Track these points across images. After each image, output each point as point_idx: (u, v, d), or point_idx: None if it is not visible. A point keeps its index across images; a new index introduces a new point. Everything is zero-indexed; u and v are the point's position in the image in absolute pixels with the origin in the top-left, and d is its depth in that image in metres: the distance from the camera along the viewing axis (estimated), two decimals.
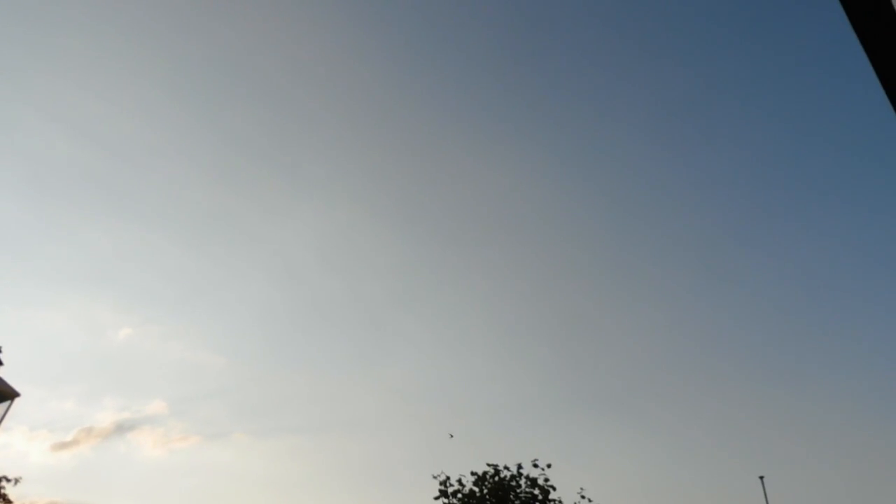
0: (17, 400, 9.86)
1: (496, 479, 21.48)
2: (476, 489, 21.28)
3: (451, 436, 27.89)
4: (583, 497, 21.91)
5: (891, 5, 1.76)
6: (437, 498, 21.28)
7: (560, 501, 21.45)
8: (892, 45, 1.82)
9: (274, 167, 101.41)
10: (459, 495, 21.16)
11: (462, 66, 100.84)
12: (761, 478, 35.84)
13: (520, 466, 21.79)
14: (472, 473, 21.73)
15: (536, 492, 21.23)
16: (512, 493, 21.02)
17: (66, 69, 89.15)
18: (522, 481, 21.39)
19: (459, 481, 21.57)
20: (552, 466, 21.77)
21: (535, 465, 21.72)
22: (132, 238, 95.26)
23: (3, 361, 9.82)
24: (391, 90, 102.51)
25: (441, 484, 21.39)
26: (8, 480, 36.64)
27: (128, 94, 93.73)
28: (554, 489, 21.38)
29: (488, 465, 21.97)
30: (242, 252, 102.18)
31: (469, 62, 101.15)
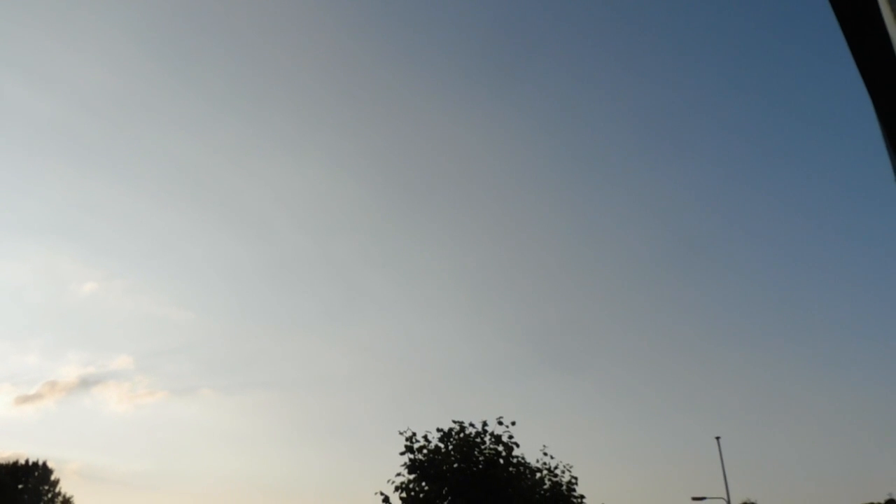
0: None
1: (461, 435, 21.83)
2: (441, 445, 21.63)
3: None
4: (545, 454, 22.46)
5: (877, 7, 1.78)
6: (402, 453, 21.60)
7: (523, 458, 21.93)
8: (877, 47, 1.85)
9: (245, 122, 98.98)
10: (425, 451, 21.48)
11: (436, 27, 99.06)
12: (717, 438, 37.11)
13: (485, 424, 22.14)
14: (438, 430, 22.05)
15: (500, 448, 21.64)
16: (476, 450, 21.41)
17: (29, 14, 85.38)
18: (487, 438, 21.78)
19: (425, 437, 21.87)
20: (516, 424, 22.20)
21: (500, 423, 22.09)
22: (96, 190, 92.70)
23: None
24: (366, 49, 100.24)
25: (407, 440, 21.68)
26: None
27: (95, 43, 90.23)
28: (517, 446, 21.83)
29: (454, 422, 22.31)
30: (210, 207, 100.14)
31: (443, 22, 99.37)
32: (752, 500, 66.47)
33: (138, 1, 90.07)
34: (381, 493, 20.93)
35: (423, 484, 21.02)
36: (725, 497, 35.45)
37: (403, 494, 20.97)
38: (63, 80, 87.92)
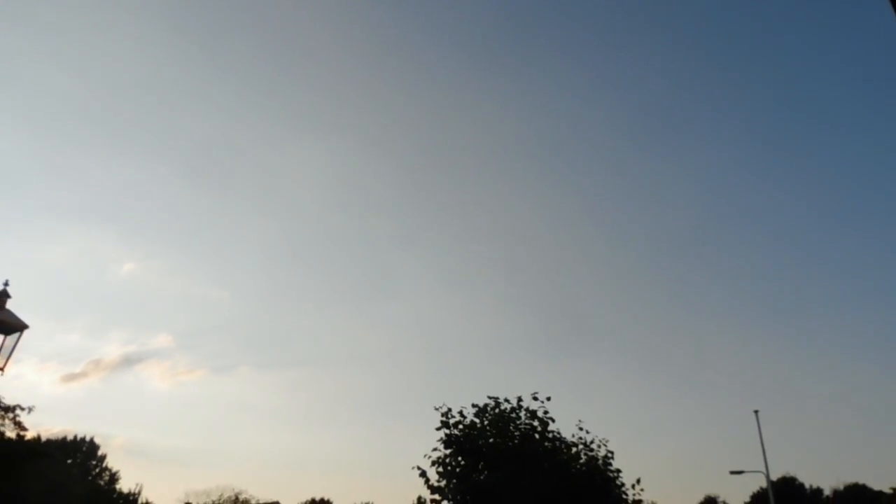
0: (25, 332, 9.94)
1: (496, 411, 21.80)
2: (477, 420, 21.62)
3: None
4: (581, 429, 22.34)
5: None
6: (438, 429, 21.65)
7: (558, 432, 21.85)
8: None
9: (276, 98, 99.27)
10: (461, 426, 21.52)
11: (467, 5, 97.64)
12: (756, 412, 36.61)
13: (520, 399, 22.03)
14: (473, 405, 22.04)
15: (536, 423, 21.56)
16: (512, 425, 21.37)
17: (65, 2, 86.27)
18: (522, 413, 21.70)
19: (461, 413, 21.87)
20: (551, 399, 22.08)
21: (535, 398, 21.95)
22: (132, 172, 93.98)
23: (11, 294, 9.84)
24: (396, 20, 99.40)
25: (443, 415, 21.70)
26: (22, 409, 37.51)
27: (125, 26, 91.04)
28: (553, 421, 21.73)
29: (489, 397, 22.24)
30: (244, 185, 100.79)
31: (473, 2, 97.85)
32: (792, 475, 65.81)
33: None
34: (419, 468, 21.06)
35: (460, 458, 21.09)
36: (764, 471, 35.08)
37: (440, 469, 21.07)
38: (98, 66, 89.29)
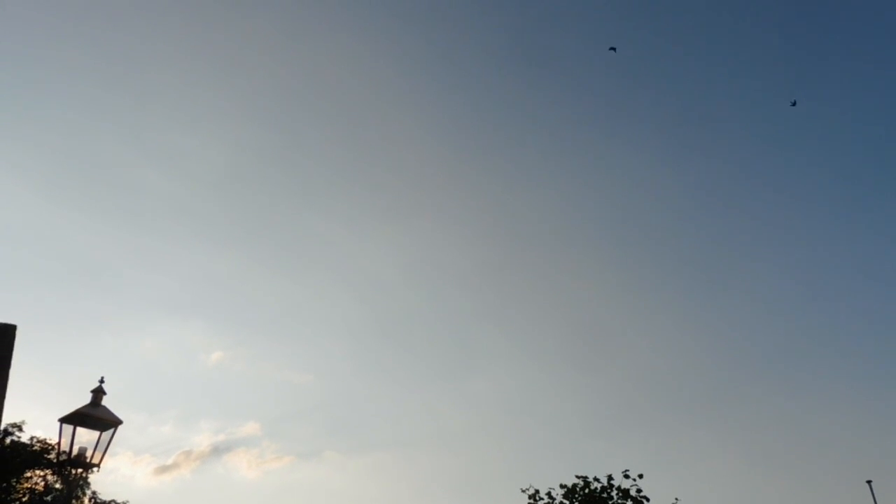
0: (119, 426, 10.30)
1: (587, 491, 21.01)
2: (566, 502, 20.89)
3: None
4: None
5: None
6: None
7: None
8: None
9: (355, 185, 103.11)
10: None
11: (532, 82, 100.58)
12: (869, 482, 33.77)
13: (610, 478, 21.23)
14: (562, 486, 21.33)
15: (629, 503, 20.66)
16: None
17: (154, 104, 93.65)
18: (614, 493, 20.85)
19: (549, 494, 21.21)
20: (644, 477, 21.16)
21: (627, 476, 21.14)
22: (219, 263, 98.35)
23: (106, 391, 10.26)
24: (471, 105, 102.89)
25: (530, 497, 21.10)
26: None
27: (215, 125, 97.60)
28: (647, 500, 20.74)
29: (577, 477, 21.52)
30: (327, 271, 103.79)
31: (538, 78, 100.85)
32: None
33: (249, 76, 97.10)
34: None
35: None
36: None
37: None
38: (185, 162, 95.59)
